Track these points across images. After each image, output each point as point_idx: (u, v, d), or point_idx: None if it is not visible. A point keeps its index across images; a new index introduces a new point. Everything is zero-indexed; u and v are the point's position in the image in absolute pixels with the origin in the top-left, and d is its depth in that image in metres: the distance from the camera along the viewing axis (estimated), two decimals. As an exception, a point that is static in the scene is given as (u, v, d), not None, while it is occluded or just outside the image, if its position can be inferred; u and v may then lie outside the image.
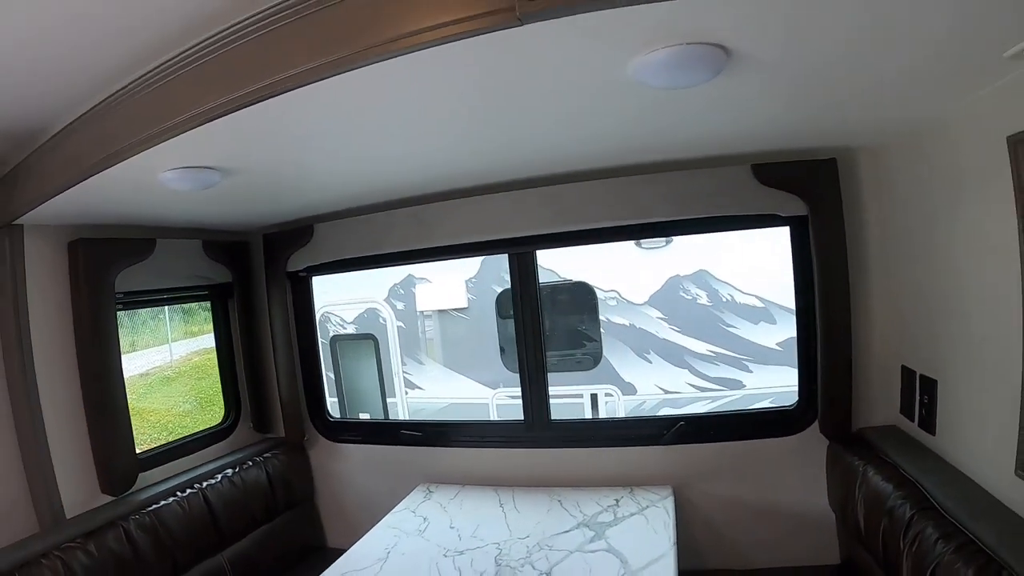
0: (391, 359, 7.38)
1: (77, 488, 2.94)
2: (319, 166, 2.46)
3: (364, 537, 2.92)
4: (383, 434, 3.97)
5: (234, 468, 3.64)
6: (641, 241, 6.36)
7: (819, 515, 2.99)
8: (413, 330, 7.54)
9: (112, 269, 3.09)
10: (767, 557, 3.10)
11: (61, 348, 2.97)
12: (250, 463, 3.73)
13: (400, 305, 7.51)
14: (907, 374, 2.67)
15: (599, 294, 6.57)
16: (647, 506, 2.88)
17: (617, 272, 6.57)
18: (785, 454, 3.07)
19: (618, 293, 6.62)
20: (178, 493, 3.29)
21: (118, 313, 3.14)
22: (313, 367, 4.05)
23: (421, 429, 3.82)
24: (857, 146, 2.76)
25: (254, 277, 3.97)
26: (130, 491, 3.11)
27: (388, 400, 7.33)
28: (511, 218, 3.26)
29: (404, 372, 7.47)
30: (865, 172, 2.80)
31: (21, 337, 2.79)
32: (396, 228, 3.53)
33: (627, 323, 6.60)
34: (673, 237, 6.16)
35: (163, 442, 3.61)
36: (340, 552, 3.13)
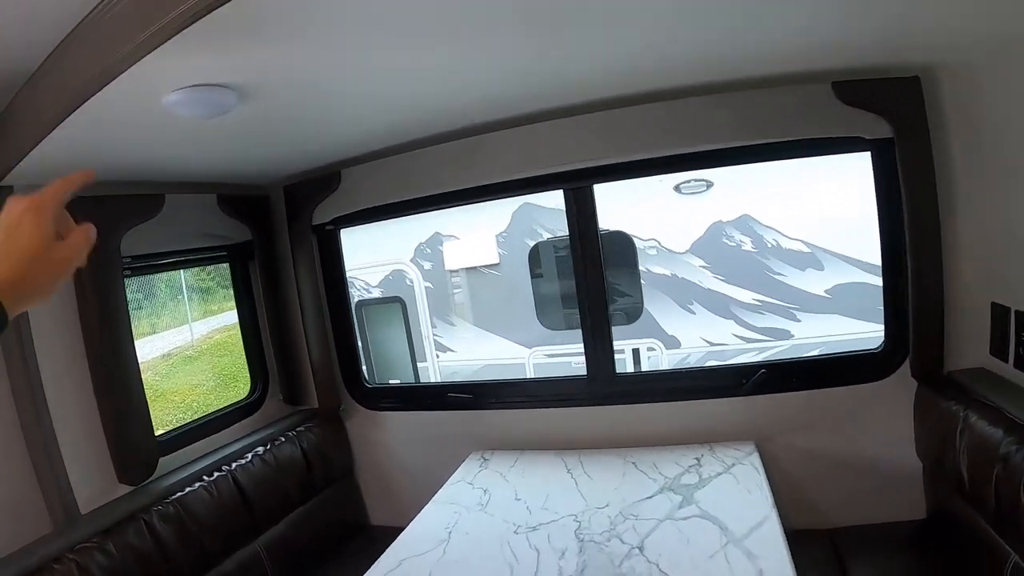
0: (420, 322, 7.08)
1: (91, 480, 2.60)
2: (349, 89, 2.09)
3: (419, 515, 2.62)
4: (427, 398, 3.65)
5: (265, 445, 3.28)
6: (681, 186, 6.07)
7: (904, 466, 2.74)
8: (442, 290, 7.23)
9: (116, 230, 2.69)
10: (849, 514, 2.84)
11: (63, 324, 2.60)
12: (282, 439, 3.38)
13: (427, 265, 7.17)
14: (999, 311, 2.39)
15: (638, 243, 6.20)
16: (732, 464, 2.62)
17: (656, 220, 6.22)
18: (870, 401, 2.80)
19: (658, 242, 6.30)
20: (204, 477, 2.93)
21: (126, 280, 2.79)
22: (346, 329, 3.67)
23: (470, 390, 3.47)
24: (942, 63, 2.44)
25: (276, 234, 3.58)
26: (150, 479, 2.79)
27: (419, 365, 7.03)
28: (565, 149, 2.92)
29: (434, 335, 7.18)
30: (951, 92, 2.48)
31: (19, 320, 2.38)
32: (435, 167, 3.16)
33: (668, 273, 6.28)
34: (714, 181, 5.94)
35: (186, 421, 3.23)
36: (385, 530, 3.04)
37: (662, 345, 6.16)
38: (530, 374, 6.52)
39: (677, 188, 6.09)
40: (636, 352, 6.20)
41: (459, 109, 2.61)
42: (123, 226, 2.72)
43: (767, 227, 6.02)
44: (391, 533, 3.14)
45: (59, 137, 1.86)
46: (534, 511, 2.47)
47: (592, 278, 3.14)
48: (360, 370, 3.71)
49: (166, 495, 2.74)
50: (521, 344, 6.79)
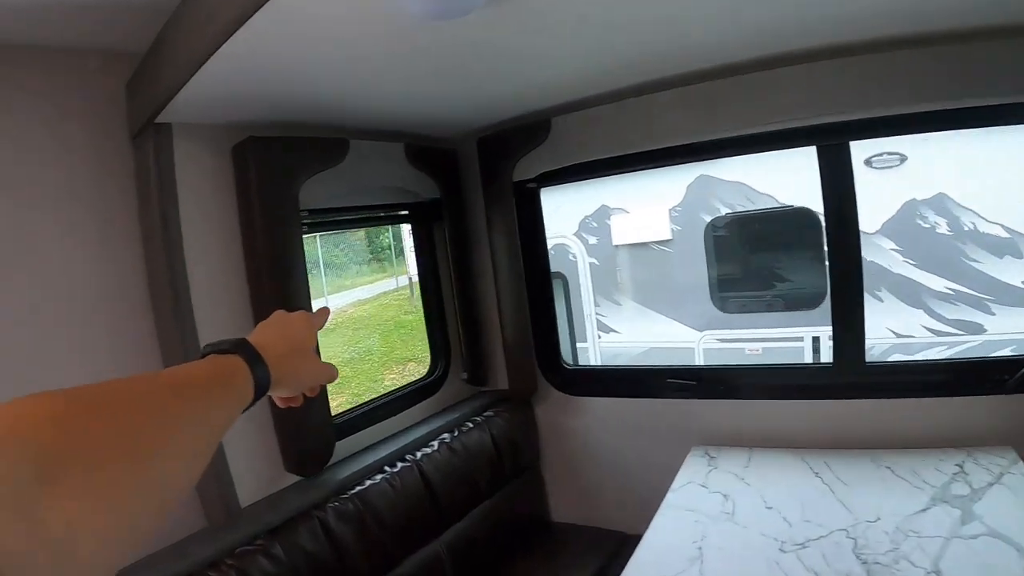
0: (582, 300, 6.59)
1: (254, 468, 2.20)
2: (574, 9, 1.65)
3: (653, 524, 2.17)
4: (639, 384, 3.10)
5: (451, 431, 2.84)
6: (872, 159, 5.32)
7: None
8: (608, 267, 6.67)
9: (295, 178, 2.25)
10: None
11: (228, 287, 2.18)
12: (470, 424, 2.93)
13: (592, 240, 6.63)
14: None
15: (824, 222, 5.36)
16: (1000, 474, 2.16)
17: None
18: None
19: None
20: (387, 468, 2.48)
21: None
22: (545, 302, 3.19)
23: (694, 376, 2.94)
24: None
25: (465, 193, 3.13)
26: (325, 469, 2.36)
27: (578, 345, 6.54)
28: (815, 99, 2.41)
29: (597, 314, 6.66)
30: None
31: (174, 274, 1.99)
32: (668, 116, 2.64)
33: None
34: (907, 155, 5.25)
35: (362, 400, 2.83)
36: (568, 528, 2.96)
37: None
38: (699, 359, 6.03)
39: (868, 162, 5.36)
40: (816, 340, 5.60)
41: (704, 45, 2.15)
42: (303, 173, 2.27)
43: (964, 208, 5.24)
44: (574, 531, 3.05)
45: (218, 70, 1.60)
46: (794, 524, 2.03)
47: (846, 252, 2.62)
48: (559, 349, 3.28)
49: (343, 488, 2.30)
50: (691, 327, 6.25)
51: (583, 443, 3.17)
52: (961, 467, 2.23)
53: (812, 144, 2.55)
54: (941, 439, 2.43)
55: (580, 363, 5.25)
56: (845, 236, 2.59)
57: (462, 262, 3.08)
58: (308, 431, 2.23)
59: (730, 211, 5.92)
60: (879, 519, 1.99)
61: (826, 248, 2.64)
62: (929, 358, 5.10)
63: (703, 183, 6.00)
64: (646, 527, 2.61)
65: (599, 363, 6.46)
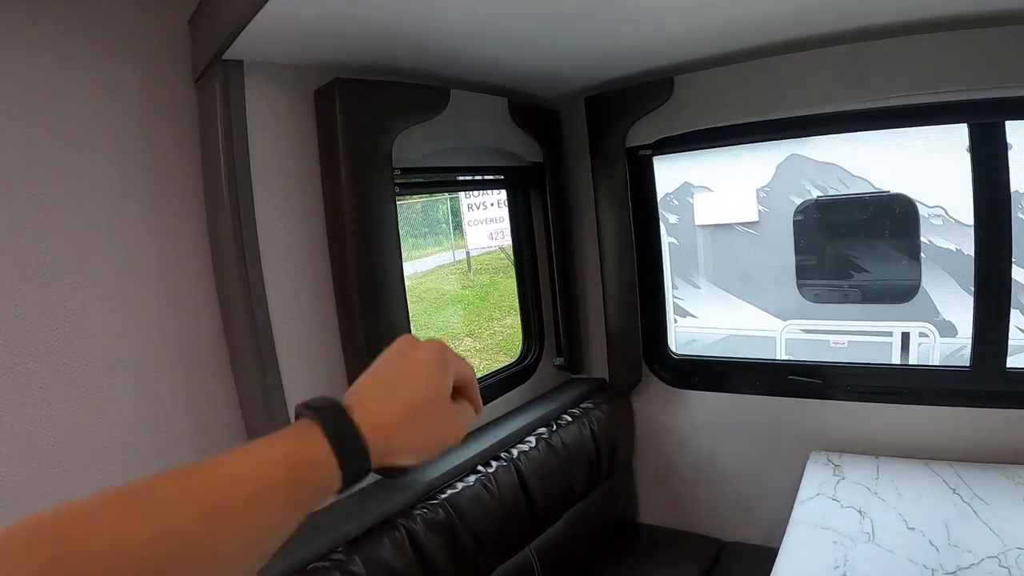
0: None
1: None
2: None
3: (787, 542, 1.93)
4: (752, 379, 2.76)
5: (549, 425, 2.49)
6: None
7: None
8: (689, 248, 6.39)
9: (389, 129, 1.88)
10: None
11: (306, 250, 1.84)
12: (567, 417, 2.58)
13: (673, 218, 6.35)
14: None
15: (921, 210, 5.22)
16: None
17: (945, 184, 5.16)
18: None
19: (944, 210, 5.25)
20: (480, 468, 2.14)
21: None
22: (654, 285, 2.84)
23: (818, 374, 2.60)
24: None
25: (568, 158, 2.77)
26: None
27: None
28: (974, 69, 2.08)
29: (675, 297, 6.34)
30: None
31: (242, 237, 1.65)
32: (809, 79, 2.29)
33: (953, 248, 5.25)
34: (1012, 143, 4.73)
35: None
36: (657, 531, 2.86)
37: (936, 331, 5.18)
38: (781, 349, 5.71)
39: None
40: (906, 337, 5.27)
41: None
42: (398, 123, 1.90)
43: None
44: (666, 535, 2.84)
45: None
46: (941, 548, 1.81)
47: (995, 245, 2.30)
48: (667, 337, 2.93)
49: (432, 491, 1.97)
50: (774, 315, 5.96)
51: (683, 441, 2.88)
52: None
53: (962, 121, 2.26)
54: None
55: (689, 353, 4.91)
56: (995, 227, 2.27)
57: (562, 234, 2.74)
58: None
59: (822, 194, 5.60)
60: None
61: (974, 240, 2.32)
62: None
63: (794, 163, 5.68)
64: (749, 534, 2.61)
65: (703, 353, 6.14)
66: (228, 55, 1.56)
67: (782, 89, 2.34)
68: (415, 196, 10.11)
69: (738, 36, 2.13)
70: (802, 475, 2.31)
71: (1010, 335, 2.31)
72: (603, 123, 2.59)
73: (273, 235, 1.73)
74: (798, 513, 2.07)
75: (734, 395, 2.74)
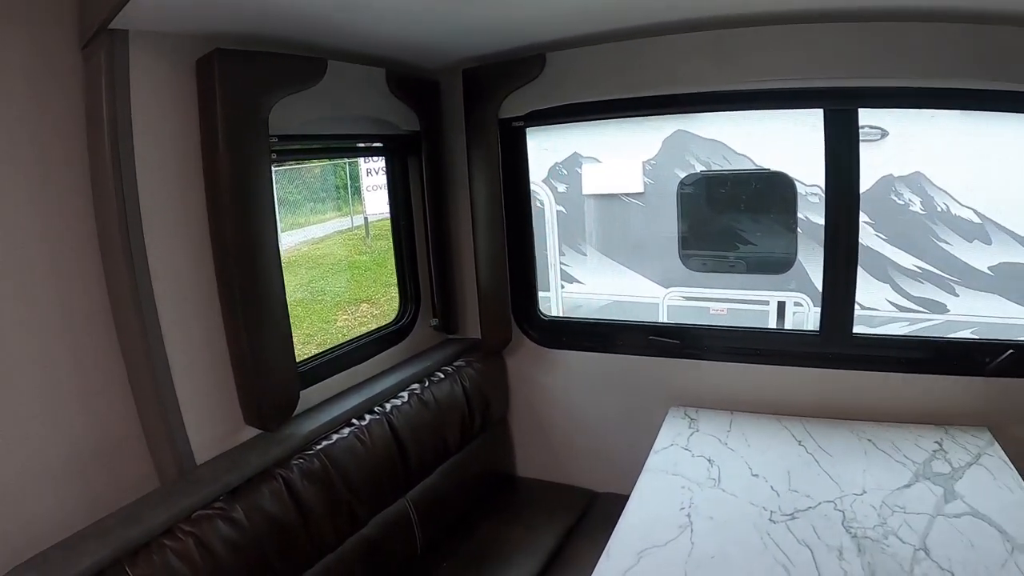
0: (548, 249, 6.37)
1: (210, 420, 1.98)
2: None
3: (639, 487, 2.11)
4: (618, 339, 2.96)
5: (421, 382, 2.63)
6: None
7: None
8: (576, 216, 6.51)
9: (266, 98, 1.96)
10: None
11: (185, 215, 1.91)
12: (440, 375, 2.73)
13: (561, 187, 6.44)
14: None
15: (800, 188, 5.45)
16: (979, 454, 2.19)
17: (821, 165, 5.34)
18: None
19: (820, 189, 5.39)
20: (355, 421, 2.28)
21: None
22: (524, 250, 3.00)
23: (677, 335, 2.82)
24: None
25: (447, 128, 2.87)
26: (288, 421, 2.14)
27: (540, 294, 6.28)
28: (831, 60, 2.30)
29: (562, 263, 6.47)
30: None
31: (125, 201, 1.73)
32: (670, 61, 2.48)
33: None
34: (889, 130, 5.23)
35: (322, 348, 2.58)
36: (533, 483, 2.97)
37: (810, 301, 5.44)
38: (663, 315, 5.88)
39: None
40: (781, 306, 5.57)
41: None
42: (275, 93, 1.98)
43: (939, 188, 5.32)
44: (541, 487, 3.01)
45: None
46: (782, 493, 2.00)
47: (844, 221, 2.52)
48: (535, 299, 3.09)
49: (308, 443, 2.10)
50: (658, 283, 6.12)
51: (555, 397, 3.06)
52: (940, 444, 2.24)
53: (820, 107, 2.45)
54: (918, 415, 2.41)
55: (555, 314, 5.06)
56: (845, 204, 2.49)
57: (438, 201, 2.86)
58: (270, 380, 1.99)
59: (705, 169, 5.81)
60: (865, 492, 1.98)
61: (824, 215, 2.54)
62: (915, 334, 5.17)
63: (680, 138, 5.86)
64: (618, 486, 2.60)
65: (572, 315, 6.32)
66: (114, 24, 1.61)
67: (649, 70, 2.49)
68: (308, 162, 9.84)
69: (607, 17, 2.25)
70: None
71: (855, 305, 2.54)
72: (479, 95, 2.69)
73: (155, 204, 1.80)
74: (652, 461, 2.24)
75: (601, 354, 2.91)
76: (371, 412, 2.33)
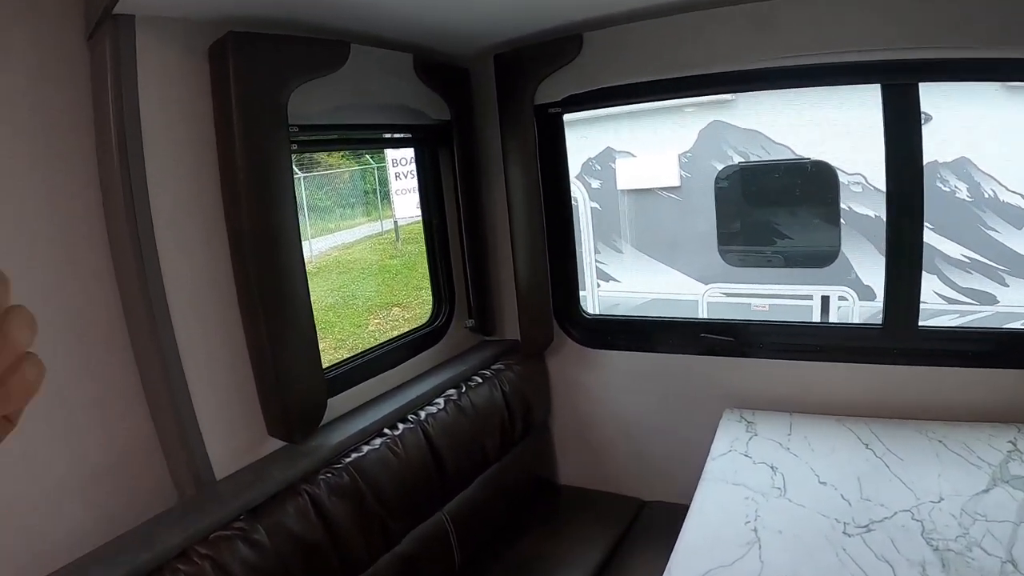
0: (582, 246, 6.20)
1: (231, 432, 1.82)
2: None
3: (698, 498, 1.93)
4: (667, 338, 2.76)
5: (458, 387, 2.46)
6: None
7: None
8: (611, 212, 6.38)
9: (285, 84, 1.80)
10: None
11: (200, 211, 1.76)
12: (478, 379, 2.56)
13: (595, 183, 6.35)
14: None
15: (841, 178, 5.29)
16: None
17: (864, 152, 5.13)
18: None
19: (864, 178, 5.34)
20: (387, 431, 2.12)
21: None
22: (565, 243, 2.82)
23: (731, 332, 2.62)
24: None
25: (479, 117, 2.70)
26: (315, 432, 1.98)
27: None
28: (889, 29, 2.09)
29: (597, 261, 6.38)
30: None
31: (134, 198, 1.58)
32: (721, 36, 2.28)
33: (872, 214, 5.34)
34: (932, 115, 4.86)
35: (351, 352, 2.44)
36: (574, 492, 2.84)
37: (855, 295, 5.23)
38: (703, 312, 5.71)
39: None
40: (825, 300, 5.30)
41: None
42: (294, 79, 1.83)
43: (986, 174, 5.13)
44: (585, 496, 2.84)
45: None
46: (854, 502, 1.82)
47: (908, 208, 2.33)
48: (577, 297, 2.89)
49: (337, 456, 1.94)
50: (697, 279, 5.99)
51: (599, 400, 2.87)
52: (1015, 444, 2.05)
53: (875, 82, 2.24)
54: (989, 412, 2.22)
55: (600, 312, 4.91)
56: (908, 188, 2.29)
57: (471, 194, 2.68)
58: (295, 387, 1.84)
59: (743, 160, 5.65)
60: (942, 499, 1.80)
61: (886, 201, 2.34)
62: (985, 326, 4.95)
63: (716, 129, 5.72)
64: (667, 493, 2.60)
65: (620, 313, 6.14)
66: (119, 9, 1.47)
67: (691, 46, 2.32)
68: (332, 160, 9.88)
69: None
70: (716, 431, 2.32)
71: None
72: (512, 81, 2.54)
73: (168, 200, 1.66)
74: (710, 469, 2.06)
75: (648, 354, 2.73)
76: (404, 421, 2.17)
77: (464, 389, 2.44)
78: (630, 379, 2.78)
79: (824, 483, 1.93)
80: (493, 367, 2.65)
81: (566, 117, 2.66)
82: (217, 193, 1.77)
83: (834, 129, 5.19)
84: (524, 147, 2.56)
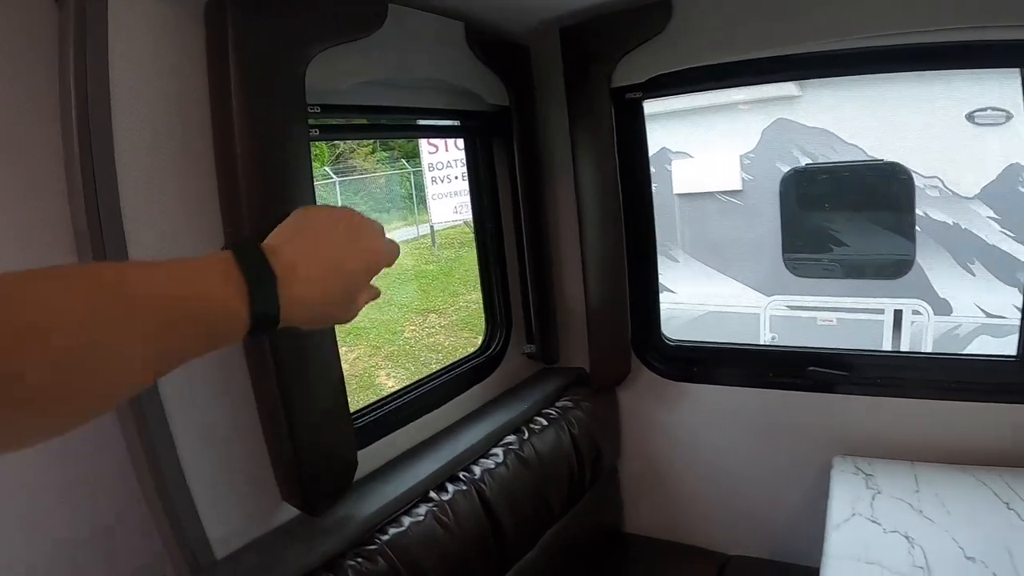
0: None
1: (234, 496, 1.39)
2: None
3: None
4: (765, 370, 2.33)
5: (519, 432, 2.01)
6: (975, 114, 4.73)
7: None
8: (666, 218, 6.01)
9: (301, 51, 1.37)
10: None
11: (185, 212, 1.31)
12: (542, 420, 2.10)
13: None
14: None
15: (917, 181, 4.91)
16: None
17: (941, 153, 4.94)
18: None
19: (941, 182, 4.98)
20: (433, 494, 1.67)
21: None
22: (645, 256, 2.37)
23: (846, 364, 2.18)
24: None
25: (542, 103, 2.25)
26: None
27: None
28: None
29: None
30: None
31: (97, 192, 1.17)
32: (834, 5, 1.86)
33: (950, 221, 5.01)
34: (1014, 113, 4.60)
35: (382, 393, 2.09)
36: (644, 542, 2.48)
37: (930, 309, 4.89)
38: (765, 327, 5.38)
39: (970, 116, 4.76)
40: (898, 315, 4.97)
41: None
42: (314, 44, 1.39)
43: None
44: (655, 548, 2.49)
45: None
46: None
47: None
48: (659, 317, 2.46)
49: (369, 532, 1.49)
50: (758, 290, 5.67)
51: (678, 440, 2.47)
52: None
53: (1014, 66, 1.86)
54: None
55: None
56: None
57: (533, 195, 2.26)
58: (315, 443, 1.40)
59: (811, 162, 5.30)
60: None
61: None
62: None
63: (781, 128, 5.37)
64: (754, 547, 2.32)
65: (709, 340, 5.94)
66: None
67: (801, 17, 1.89)
68: (364, 157, 10.08)
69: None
70: (823, 483, 1.97)
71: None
72: (583, 60, 2.11)
73: (145, 196, 1.24)
74: (834, 542, 1.68)
75: (740, 388, 2.34)
76: (455, 480, 1.73)
77: (526, 434, 1.99)
78: (717, 417, 2.37)
79: (971, 558, 1.58)
80: (558, 404, 2.21)
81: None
82: (213, 185, 1.34)
83: (909, 129, 4.89)
84: (598, 140, 2.14)
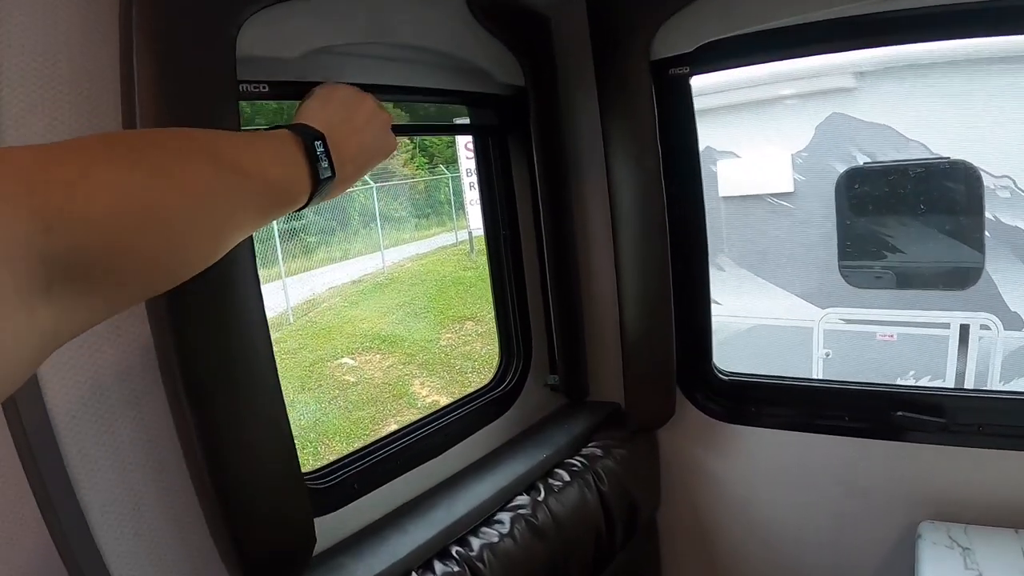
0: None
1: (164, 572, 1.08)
2: None
3: None
4: (840, 413, 1.94)
5: (533, 490, 1.62)
6: None
7: None
8: (711, 223, 5.48)
9: (226, 9, 1.01)
10: None
11: None
12: (563, 474, 1.71)
13: None
14: None
15: (986, 181, 4.61)
16: None
17: (1015, 149, 4.57)
18: None
19: (1013, 181, 4.63)
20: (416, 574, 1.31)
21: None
22: (694, 272, 1.98)
23: (941, 409, 1.78)
24: None
25: (565, 82, 1.87)
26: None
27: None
28: None
29: None
30: None
31: None
32: None
33: (1022, 226, 4.70)
34: None
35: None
36: None
37: (999, 323, 4.57)
38: (819, 342, 5.09)
39: None
40: (965, 330, 4.67)
41: None
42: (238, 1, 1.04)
43: None
44: None
45: None
46: None
47: None
48: (711, 346, 2.05)
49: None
50: (811, 302, 5.34)
51: (729, 493, 2.10)
52: None
53: None
54: None
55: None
56: None
57: (557, 197, 1.88)
58: (257, 509, 1.07)
59: (869, 160, 5.00)
60: None
61: None
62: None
63: (837, 124, 5.06)
64: None
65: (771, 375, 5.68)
66: None
67: None
68: (408, 164, 10.39)
69: None
70: (906, 554, 1.70)
71: None
72: (616, 29, 1.73)
73: None
74: None
75: (805, 434, 1.95)
76: (444, 557, 1.35)
77: (542, 494, 1.59)
78: (776, 467, 2.00)
79: None
80: (584, 451, 1.81)
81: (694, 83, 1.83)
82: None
83: (978, 123, 4.58)
84: (636, 127, 1.76)
